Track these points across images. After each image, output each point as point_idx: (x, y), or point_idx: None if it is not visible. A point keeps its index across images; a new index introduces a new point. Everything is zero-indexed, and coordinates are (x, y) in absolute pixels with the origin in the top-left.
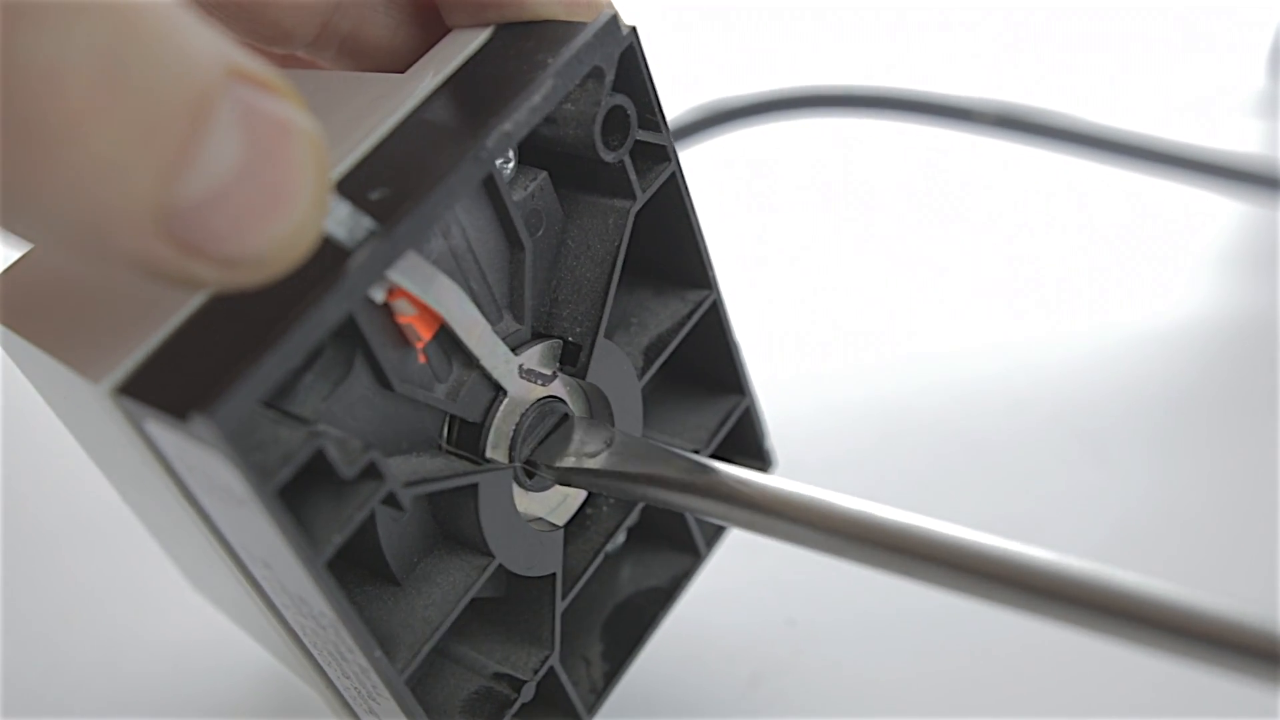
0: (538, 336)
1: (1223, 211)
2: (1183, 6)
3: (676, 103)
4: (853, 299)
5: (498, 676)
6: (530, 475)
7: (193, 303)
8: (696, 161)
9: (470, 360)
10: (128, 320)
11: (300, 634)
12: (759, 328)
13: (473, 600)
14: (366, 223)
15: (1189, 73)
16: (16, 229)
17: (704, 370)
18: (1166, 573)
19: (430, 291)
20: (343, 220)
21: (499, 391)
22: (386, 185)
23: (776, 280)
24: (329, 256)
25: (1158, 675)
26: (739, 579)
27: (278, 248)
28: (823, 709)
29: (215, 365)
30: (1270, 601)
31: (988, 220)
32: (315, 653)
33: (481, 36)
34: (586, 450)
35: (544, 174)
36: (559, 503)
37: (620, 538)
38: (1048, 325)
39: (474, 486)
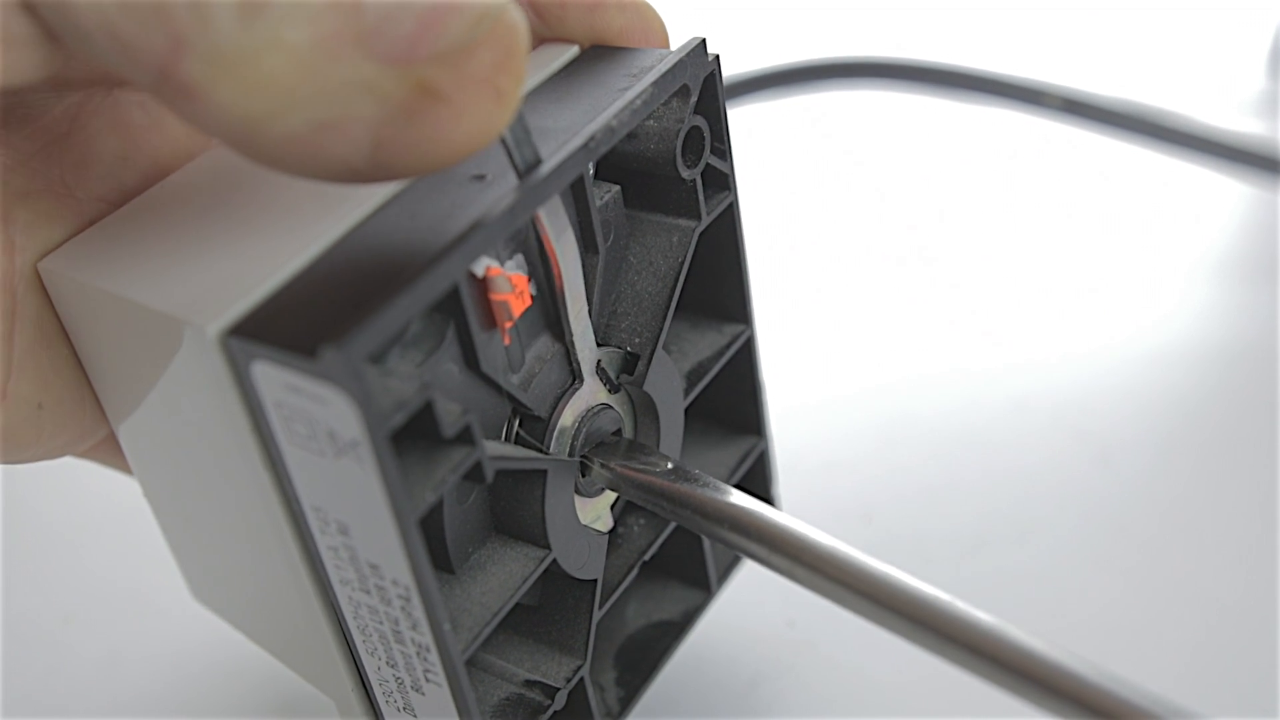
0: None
1: (1229, 207)
2: (1183, 6)
3: None
4: (851, 297)
5: (529, 684)
6: (584, 473)
7: (305, 254)
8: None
9: (547, 351)
10: (231, 271)
11: (350, 616)
12: (767, 327)
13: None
14: (531, 152)
15: (1189, 72)
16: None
17: (727, 407)
18: (1166, 575)
19: (561, 241)
20: (520, 140)
21: (565, 389)
22: (489, 169)
23: (772, 273)
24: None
25: (1159, 676)
26: (739, 580)
27: (460, 31)
28: (823, 710)
29: (342, 305)
30: (1270, 605)
31: (988, 212)
32: (360, 638)
33: (570, 52)
34: (641, 463)
35: (617, 188)
36: (599, 515)
37: (633, 572)
38: (1050, 325)
39: (543, 474)
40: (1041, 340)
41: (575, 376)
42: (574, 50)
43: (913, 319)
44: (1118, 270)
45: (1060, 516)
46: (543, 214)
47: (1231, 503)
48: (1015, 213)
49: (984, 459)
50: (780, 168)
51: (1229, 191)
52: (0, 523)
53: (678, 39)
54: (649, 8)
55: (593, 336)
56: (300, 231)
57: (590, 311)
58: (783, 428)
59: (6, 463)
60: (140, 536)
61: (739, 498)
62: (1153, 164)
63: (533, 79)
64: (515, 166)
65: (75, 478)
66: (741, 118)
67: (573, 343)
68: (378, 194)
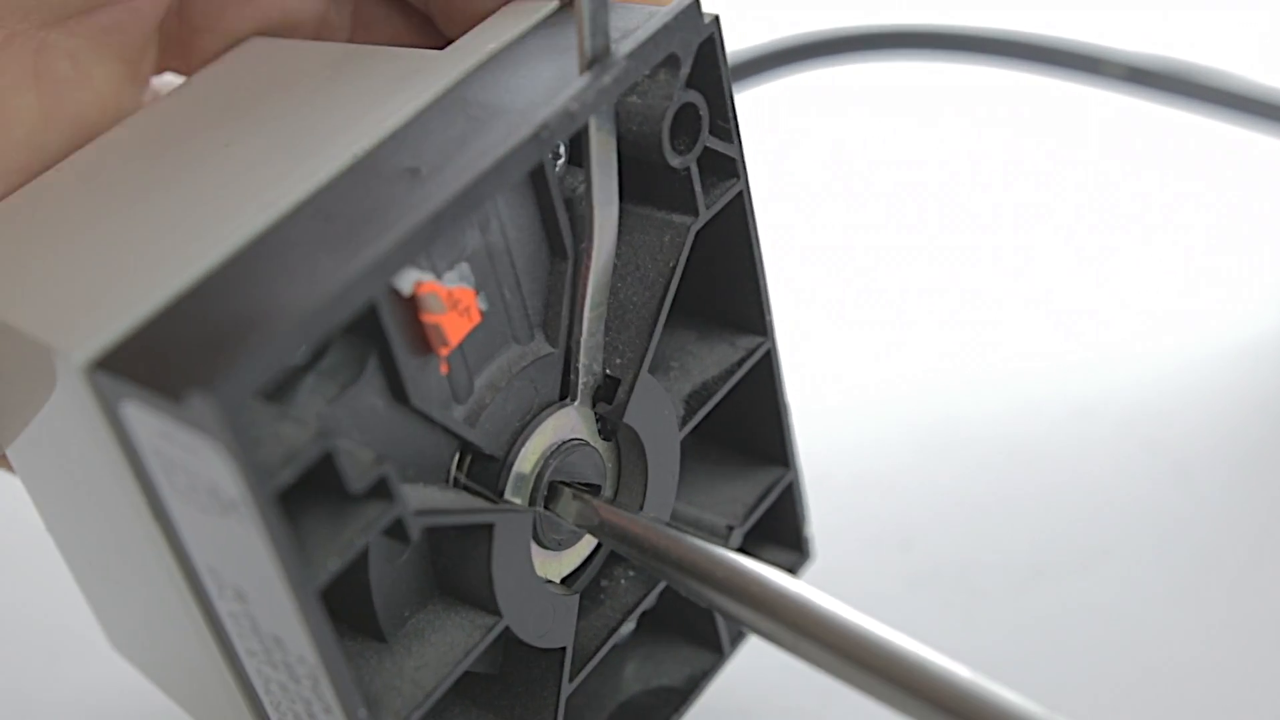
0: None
1: None
2: None
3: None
4: (886, 288)
5: None
6: (547, 505)
7: (187, 276)
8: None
9: (502, 377)
10: (111, 294)
11: (262, 692)
12: (784, 315)
13: (461, 676)
14: (603, 40)
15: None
16: None
17: (746, 432)
18: (1255, 609)
19: (604, 214)
20: (598, 10)
21: (527, 423)
22: (425, 161)
23: (798, 262)
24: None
25: (1159, 679)
26: None
27: None
28: (822, 709)
29: (226, 335)
30: None
31: (1042, 194)
32: (275, 715)
33: (544, 10)
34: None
35: None
36: (573, 568)
37: (630, 626)
38: (1116, 319)
39: (489, 528)
40: (1106, 336)
41: (568, 394)
42: (552, 4)
43: (957, 312)
44: (1194, 257)
45: (1130, 542)
46: (595, 173)
47: None
48: (1074, 193)
49: (1040, 474)
50: (807, 149)
51: None
52: None
53: None
54: None
55: (601, 348)
56: (204, 235)
57: (561, 325)
58: (807, 439)
59: None
60: None
61: (735, 556)
62: (1234, 141)
63: (497, 39)
64: (581, 53)
65: None
66: (761, 96)
67: (578, 346)
68: (295, 189)
